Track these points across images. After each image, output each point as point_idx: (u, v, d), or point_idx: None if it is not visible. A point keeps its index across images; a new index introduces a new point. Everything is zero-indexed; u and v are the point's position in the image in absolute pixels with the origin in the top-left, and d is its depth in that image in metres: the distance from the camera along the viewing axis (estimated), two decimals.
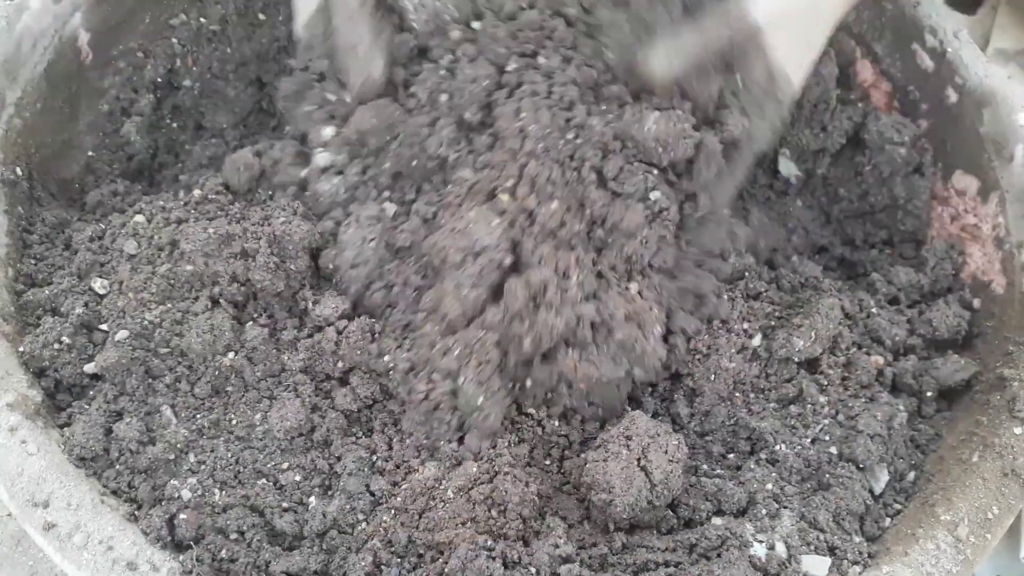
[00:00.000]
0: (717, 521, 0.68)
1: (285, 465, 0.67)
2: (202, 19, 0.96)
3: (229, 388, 0.71)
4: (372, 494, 0.67)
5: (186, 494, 0.64)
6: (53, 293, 0.74)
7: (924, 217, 0.93)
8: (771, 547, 0.65)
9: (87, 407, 0.68)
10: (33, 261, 0.77)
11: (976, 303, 0.85)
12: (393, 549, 0.62)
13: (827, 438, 0.74)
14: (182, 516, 0.62)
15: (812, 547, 0.66)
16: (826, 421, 0.75)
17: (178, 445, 0.66)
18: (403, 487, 0.66)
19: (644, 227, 0.74)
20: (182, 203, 0.80)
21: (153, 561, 0.58)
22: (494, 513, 0.64)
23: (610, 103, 0.76)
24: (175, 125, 0.97)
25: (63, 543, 0.58)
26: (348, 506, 0.65)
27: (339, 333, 0.72)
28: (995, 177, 0.85)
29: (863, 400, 0.77)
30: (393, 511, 0.65)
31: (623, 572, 0.63)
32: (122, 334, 0.71)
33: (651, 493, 0.68)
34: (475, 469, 0.66)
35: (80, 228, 0.80)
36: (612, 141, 0.74)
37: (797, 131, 0.98)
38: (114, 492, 0.64)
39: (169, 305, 0.73)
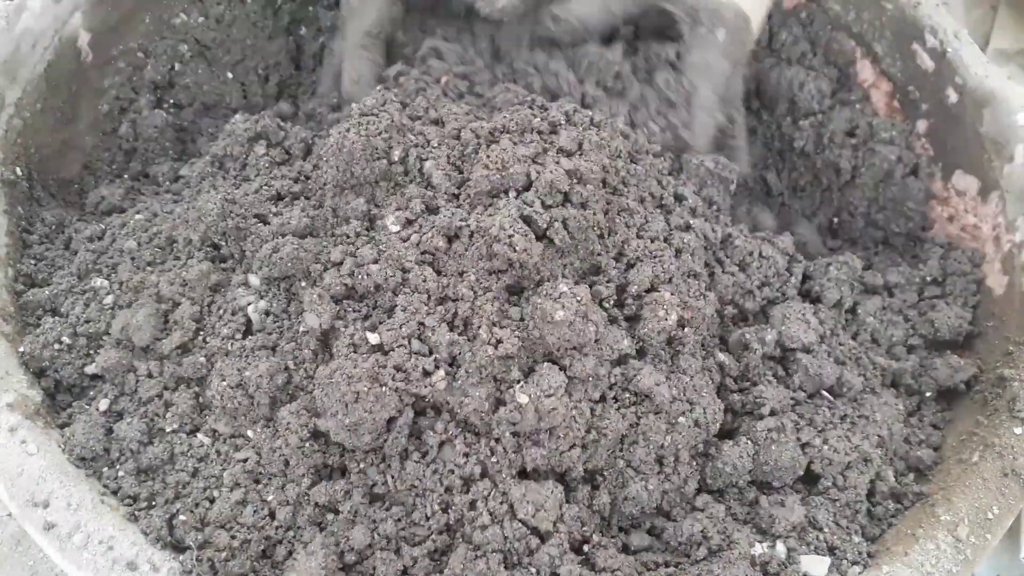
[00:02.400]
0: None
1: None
2: (202, 19, 0.96)
3: None
4: None
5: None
6: (53, 293, 0.74)
7: (924, 217, 0.93)
8: (771, 547, 0.65)
9: (87, 407, 0.68)
10: (33, 261, 0.77)
11: (976, 303, 0.85)
12: None
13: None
14: (181, 518, 0.62)
15: (812, 547, 0.66)
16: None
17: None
18: None
19: None
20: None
21: (153, 561, 0.58)
22: None
23: None
24: None
25: (63, 543, 0.58)
26: None
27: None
28: (995, 177, 0.86)
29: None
30: None
31: (623, 572, 0.63)
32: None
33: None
34: None
35: (80, 228, 0.80)
36: None
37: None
38: (114, 492, 0.64)
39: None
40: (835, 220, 0.98)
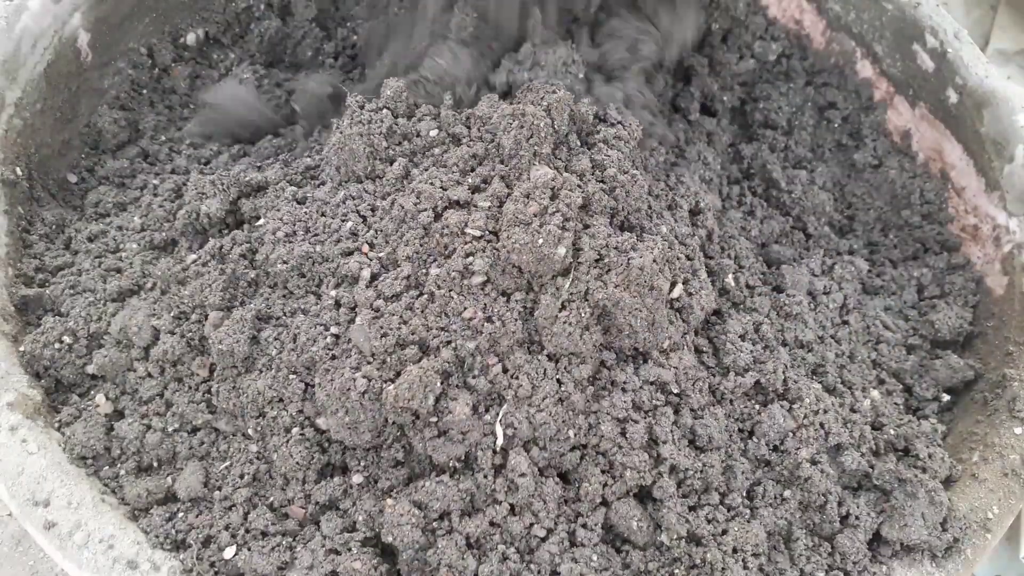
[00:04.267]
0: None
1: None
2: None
3: None
4: None
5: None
6: (53, 293, 0.74)
7: (928, 218, 0.93)
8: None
9: (87, 406, 0.68)
10: (33, 261, 0.77)
11: (976, 303, 0.85)
12: None
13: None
14: (180, 515, 0.62)
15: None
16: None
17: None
18: None
19: None
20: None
21: (154, 560, 0.58)
22: None
23: None
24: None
25: (64, 542, 0.58)
26: None
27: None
28: (995, 177, 0.86)
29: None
30: None
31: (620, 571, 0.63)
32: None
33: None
34: None
35: (80, 228, 0.80)
36: None
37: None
38: (114, 491, 0.64)
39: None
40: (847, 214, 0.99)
